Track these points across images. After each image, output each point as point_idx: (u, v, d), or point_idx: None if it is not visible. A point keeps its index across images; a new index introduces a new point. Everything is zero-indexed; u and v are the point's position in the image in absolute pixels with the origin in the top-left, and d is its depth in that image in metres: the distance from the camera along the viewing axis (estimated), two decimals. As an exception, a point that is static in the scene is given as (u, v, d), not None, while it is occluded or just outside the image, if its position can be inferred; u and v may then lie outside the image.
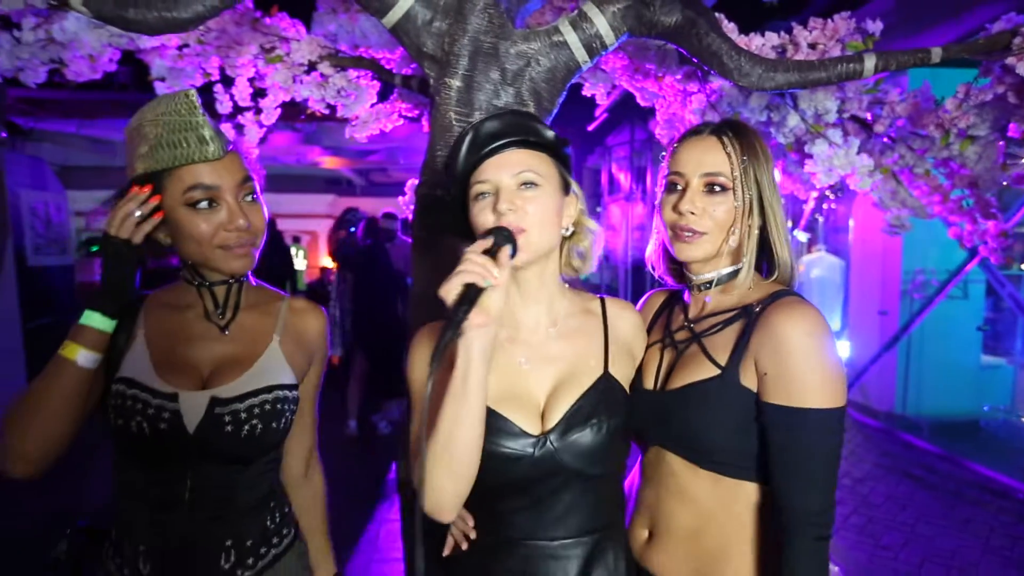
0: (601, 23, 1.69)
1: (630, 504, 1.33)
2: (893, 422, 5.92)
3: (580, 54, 1.73)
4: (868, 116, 2.50)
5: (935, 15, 4.64)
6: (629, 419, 1.22)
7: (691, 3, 1.68)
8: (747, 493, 1.15)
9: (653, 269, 1.40)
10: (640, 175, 9.47)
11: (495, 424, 1.12)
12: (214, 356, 1.26)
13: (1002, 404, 5.99)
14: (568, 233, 1.23)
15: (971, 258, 5.20)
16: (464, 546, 1.23)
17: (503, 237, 1.06)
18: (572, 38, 1.71)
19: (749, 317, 1.15)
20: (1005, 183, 2.85)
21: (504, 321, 1.20)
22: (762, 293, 1.19)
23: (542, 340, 1.21)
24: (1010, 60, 1.70)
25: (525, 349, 1.21)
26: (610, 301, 1.31)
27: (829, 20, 1.97)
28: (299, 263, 10.37)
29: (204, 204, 1.19)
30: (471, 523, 1.22)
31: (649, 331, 1.35)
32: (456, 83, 1.69)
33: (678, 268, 1.35)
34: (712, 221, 1.19)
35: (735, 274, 1.21)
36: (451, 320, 0.97)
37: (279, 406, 1.26)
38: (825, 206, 6.78)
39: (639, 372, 1.27)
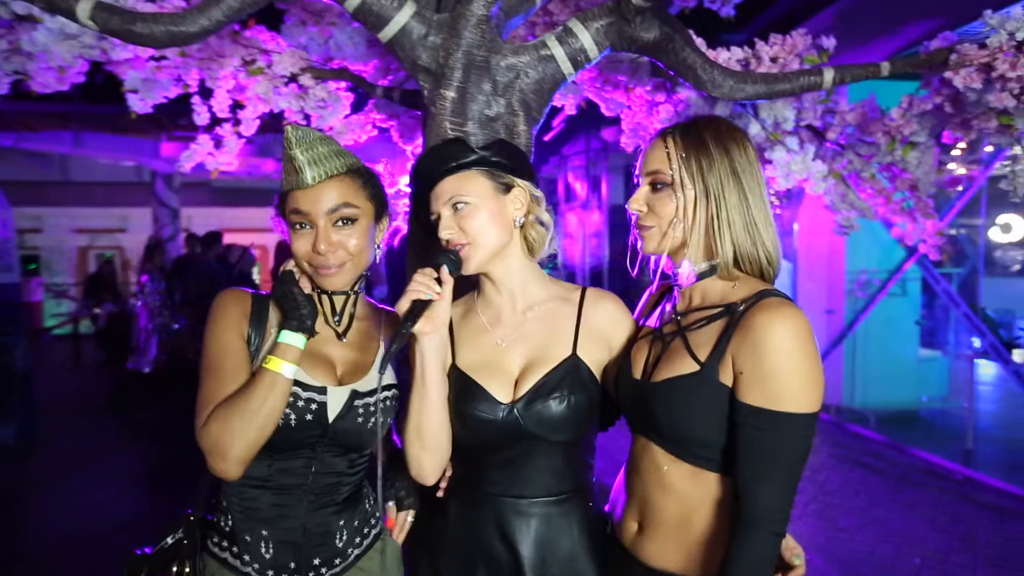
0: (585, 38, 1.81)
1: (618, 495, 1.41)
2: (842, 415, 6.24)
3: (566, 67, 1.84)
4: (820, 125, 2.71)
5: (871, 31, 4.99)
6: (618, 400, 1.35)
7: (668, 20, 1.82)
8: (723, 485, 1.18)
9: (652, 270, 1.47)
10: (595, 184, 9.70)
11: (473, 391, 1.33)
12: (341, 358, 1.40)
13: (939, 394, 6.40)
14: (519, 224, 1.39)
15: (909, 257, 5.56)
16: (439, 494, 1.44)
17: (444, 258, 1.29)
18: (558, 52, 1.82)
19: (732, 315, 1.16)
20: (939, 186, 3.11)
21: (485, 307, 1.43)
22: (748, 291, 1.19)
23: (519, 322, 1.39)
24: (948, 74, 1.90)
25: (503, 330, 1.40)
26: (590, 291, 1.44)
27: (788, 36, 2.14)
28: (255, 276, 10.18)
29: (299, 226, 1.32)
30: (443, 486, 1.43)
31: (645, 323, 1.44)
32: (451, 94, 1.78)
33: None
34: (655, 216, 1.25)
35: (699, 268, 1.25)
36: (397, 331, 1.20)
37: (394, 403, 1.42)
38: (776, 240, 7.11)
39: (629, 361, 1.34)
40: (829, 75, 1.86)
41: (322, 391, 1.32)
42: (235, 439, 1.21)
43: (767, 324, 1.10)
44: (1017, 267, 10.16)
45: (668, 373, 1.21)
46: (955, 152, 5.82)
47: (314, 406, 1.30)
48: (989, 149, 5.88)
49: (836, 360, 6.33)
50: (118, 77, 2.74)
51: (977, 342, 5.72)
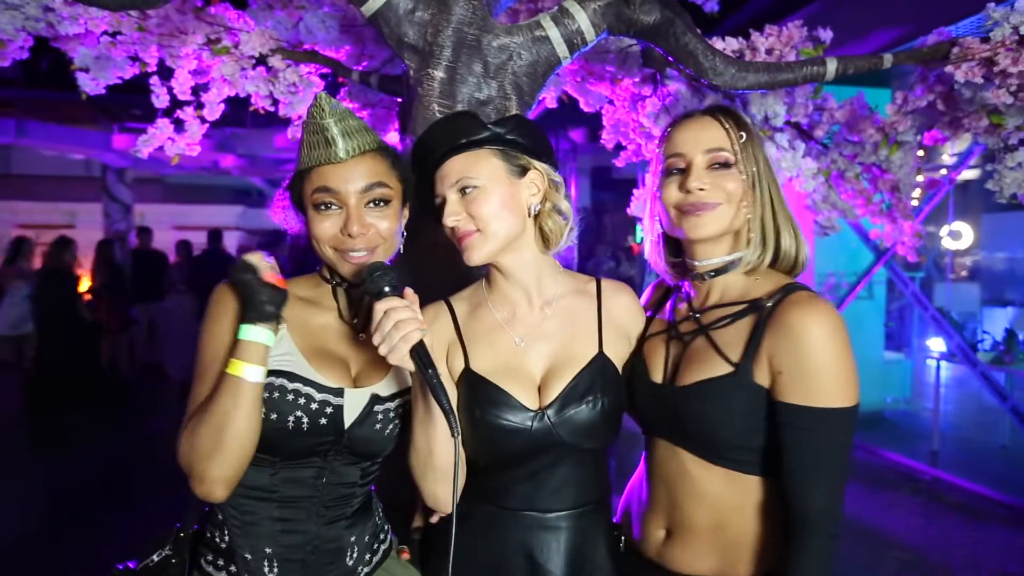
0: (582, 19, 1.71)
1: (632, 494, 1.33)
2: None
3: (561, 49, 1.74)
4: (805, 123, 2.67)
5: (840, 36, 5.04)
6: (629, 402, 1.27)
7: (669, 4, 1.73)
8: (762, 487, 1.15)
9: (653, 267, 1.37)
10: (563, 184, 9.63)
11: (496, 397, 1.19)
12: (357, 356, 1.25)
13: (902, 395, 6.51)
14: (536, 211, 1.25)
15: (878, 260, 5.63)
16: (434, 520, 1.32)
17: (385, 279, 1.09)
18: (554, 33, 1.72)
19: (760, 312, 1.13)
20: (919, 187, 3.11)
21: (499, 303, 1.28)
22: (772, 285, 1.16)
23: (537, 320, 1.26)
24: (948, 68, 1.86)
25: (521, 328, 1.26)
26: (606, 283, 1.34)
27: (783, 27, 2.08)
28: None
29: (325, 207, 1.18)
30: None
31: (651, 319, 1.35)
32: (439, 74, 1.65)
33: (679, 263, 1.32)
34: (724, 193, 1.16)
35: (742, 259, 1.19)
36: (432, 386, 1.05)
37: (410, 408, 1.26)
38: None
39: (643, 362, 1.26)
40: (832, 65, 1.80)
41: (339, 393, 1.18)
42: (208, 459, 1.06)
43: (804, 321, 1.06)
44: (965, 272, 10.53)
45: (697, 376, 1.14)
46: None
47: (329, 409, 1.17)
48: (949, 156, 6.02)
49: (803, 362, 6.37)
50: (67, 57, 2.53)
51: (938, 344, 5.82)
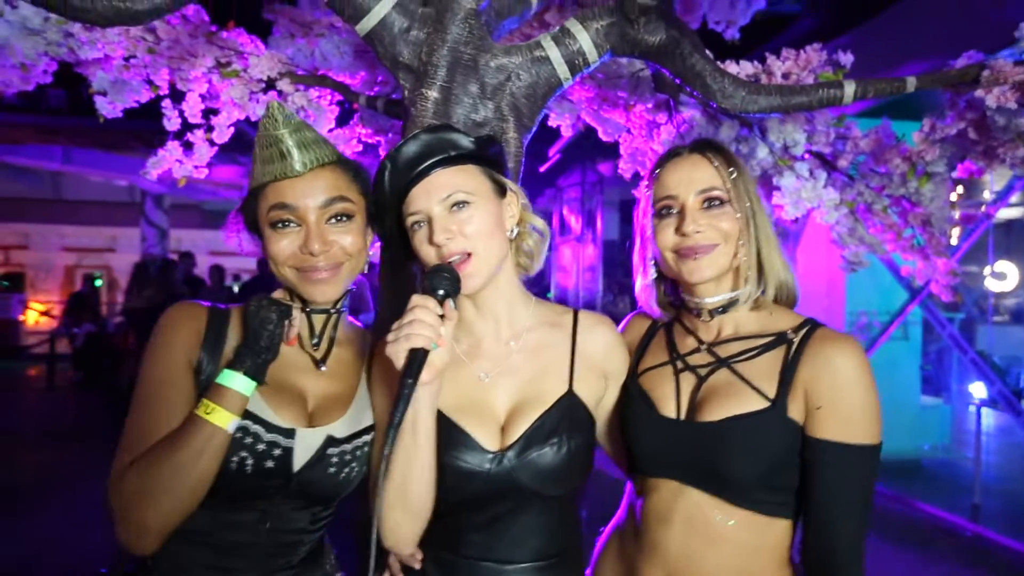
0: (584, 40, 1.65)
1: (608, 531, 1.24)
2: (841, 461, 5.99)
3: (562, 70, 1.67)
4: (828, 154, 2.56)
5: (874, 67, 4.93)
6: (621, 442, 1.19)
7: (675, 23, 1.66)
8: (782, 531, 1.10)
9: (644, 307, 1.32)
10: (590, 218, 9.59)
11: (453, 437, 1.10)
12: (316, 390, 1.17)
13: (941, 443, 6.17)
14: (513, 235, 1.18)
15: (913, 299, 5.39)
16: None
17: (447, 284, 1.02)
18: (554, 54, 1.66)
19: (789, 345, 1.10)
20: (954, 223, 2.95)
21: (462, 334, 1.19)
22: (791, 320, 1.15)
23: (503, 353, 1.17)
24: (978, 92, 1.74)
25: (486, 363, 1.18)
26: (583, 315, 1.25)
27: (801, 51, 1.99)
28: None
29: (282, 224, 1.10)
30: (419, 556, 1.16)
31: (643, 354, 1.25)
32: (433, 94, 1.60)
33: (670, 300, 1.29)
34: (720, 233, 1.15)
35: (752, 295, 1.16)
36: (400, 392, 0.95)
37: (369, 449, 1.19)
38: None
39: (647, 397, 1.18)
40: (850, 88, 1.70)
41: (289, 434, 1.09)
42: (152, 505, 0.97)
43: (843, 356, 1.05)
44: (1007, 316, 10.04)
45: (727, 411, 1.08)
46: (952, 196, 5.73)
47: (277, 451, 1.07)
48: (989, 194, 5.79)
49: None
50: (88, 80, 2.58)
51: (980, 389, 5.52)
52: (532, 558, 1.11)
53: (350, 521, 1.71)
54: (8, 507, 4.43)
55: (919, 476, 5.86)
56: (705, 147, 1.19)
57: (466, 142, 1.12)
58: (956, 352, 5.72)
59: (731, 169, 1.16)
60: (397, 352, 0.96)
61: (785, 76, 2.01)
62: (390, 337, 0.97)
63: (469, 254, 1.08)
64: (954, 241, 5.35)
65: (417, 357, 0.96)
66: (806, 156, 2.44)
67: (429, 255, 1.10)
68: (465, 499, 1.10)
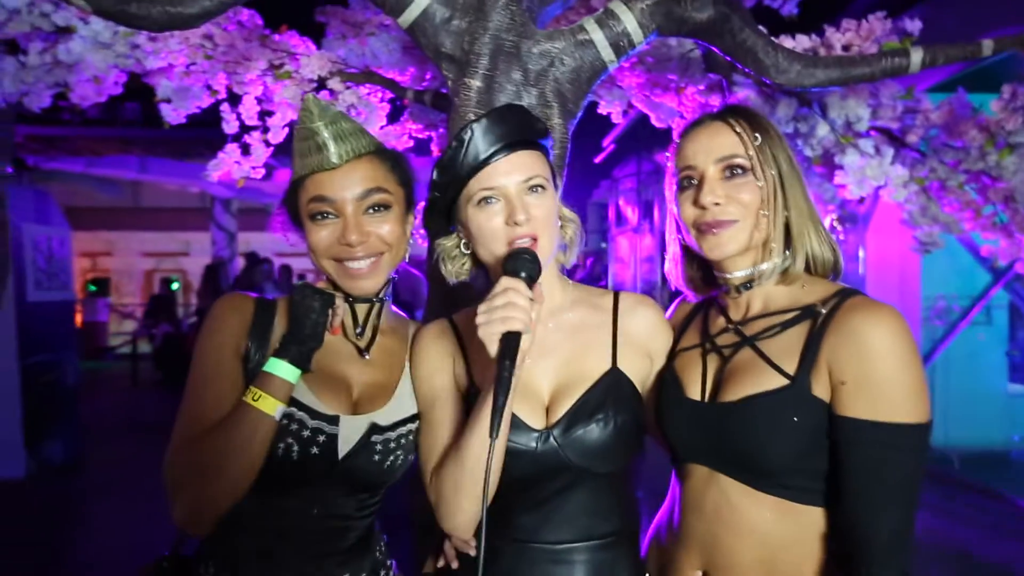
0: (629, 20, 1.61)
1: (657, 517, 1.20)
2: (920, 455, 5.69)
3: (607, 53, 1.64)
4: (896, 129, 2.41)
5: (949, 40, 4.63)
6: (657, 424, 1.15)
7: (724, -2, 1.60)
8: (818, 521, 1.01)
9: (670, 284, 1.28)
10: (647, 208, 9.42)
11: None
12: (360, 379, 1.19)
13: (1032, 435, 5.77)
14: (558, 225, 1.17)
15: (996, 282, 5.06)
16: (454, 564, 1.18)
17: (531, 267, 1.00)
18: (598, 36, 1.62)
19: (816, 318, 1.02)
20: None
21: None
22: (824, 291, 1.06)
23: (541, 334, 1.15)
24: (1064, 53, 1.61)
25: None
26: (625, 296, 1.23)
27: (863, 21, 1.89)
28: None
29: (320, 216, 1.12)
30: (473, 543, 1.15)
31: (680, 336, 1.22)
32: (476, 83, 1.60)
33: (701, 276, 1.23)
34: (740, 207, 1.07)
35: (777, 269, 1.08)
36: (500, 377, 0.92)
37: (415, 437, 1.20)
38: (833, 237, 6.69)
39: (677, 380, 1.14)
40: (917, 57, 1.60)
41: (333, 421, 1.11)
42: (207, 491, 1.00)
43: (870, 325, 0.94)
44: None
45: (746, 390, 1.02)
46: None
47: (322, 438, 1.09)
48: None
49: (912, 394, 5.79)
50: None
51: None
52: (584, 537, 1.09)
53: (402, 511, 1.74)
54: (91, 498, 4.73)
55: (1009, 468, 5.50)
56: (728, 113, 1.11)
57: (542, 127, 1.13)
58: (1047, 338, 5.33)
59: (756, 134, 1.07)
60: (491, 334, 0.94)
61: (845, 48, 1.91)
62: (480, 319, 0.95)
63: (535, 238, 1.07)
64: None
65: (511, 341, 0.94)
66: (872, 132, 2.32)
67: (495, 232, 1.08)
68: (513, 480, 1.08)
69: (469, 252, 1.16)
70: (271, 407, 1.03)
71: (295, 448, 1.07)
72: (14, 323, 4.88)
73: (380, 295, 1.20)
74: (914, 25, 1.82)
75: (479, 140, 1.07)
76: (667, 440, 1.15)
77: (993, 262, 4.82)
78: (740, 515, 1.03)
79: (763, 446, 1.00)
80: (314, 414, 1.09)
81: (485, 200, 1.08)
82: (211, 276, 9.13)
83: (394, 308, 1.32)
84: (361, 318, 1.20)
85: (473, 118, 1.59)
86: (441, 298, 1.66)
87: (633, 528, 1.18)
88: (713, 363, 1.12)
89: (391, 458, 1.15)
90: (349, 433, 1.12)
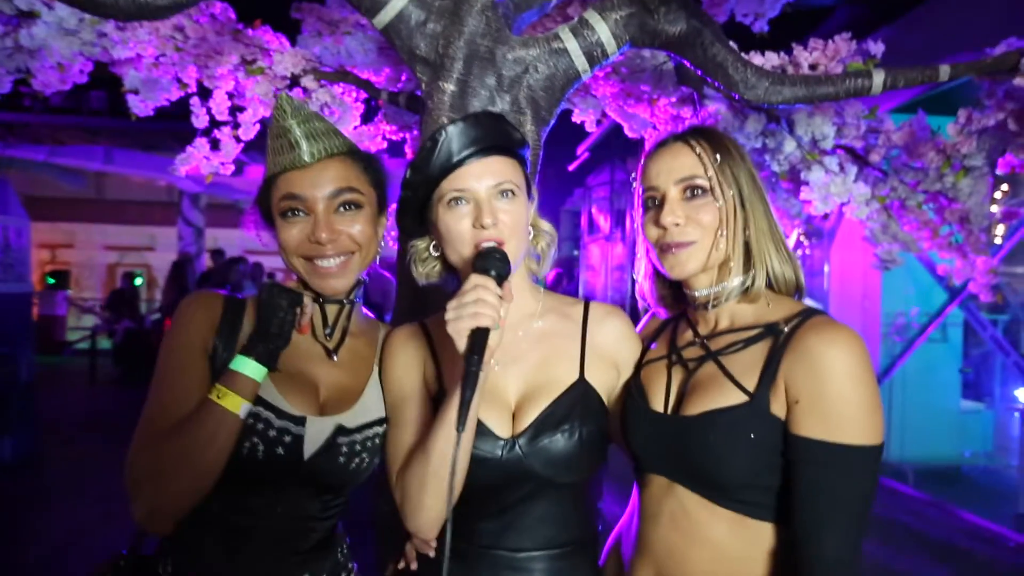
0: (603, 31, 1.63)
1: (629, 531, 1.20)
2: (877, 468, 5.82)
3: (580, 62, 1.66)
4: (860, 148, 2.48)
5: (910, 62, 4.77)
6: (621, 433, 1.16)
7: (696, 13, 1.63)
8: (772, 536, 1.02)
9: (644, 301, 1.29)
10: (620, 217, 9.51)
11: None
12: (328, 380, 1.18)
13: (983, 450, 5.95)
14: (531, 236, 1.18)
15: (952, 300, 5.22)
16: (413, 566, 1.17)
17: (501, 266, 1.00)
18: (572, 45, 1.64)
19: (777, 336, 1.03)
20: (995, 220, 2.83)
21: None
22: (787, 311, 1.07)
23: (511, 341, 1.16)
24: (1018, 81, 1.67)
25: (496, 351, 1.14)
26: (595, 306, 1.24)
27: (830, 41, 1.94)
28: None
29: (291, 214, 1.12)
30: (433, 544, 1.15)
31: (649, 347, 1.24)
32: (450, 87, 1.60)
33: (671, 294, 1.24)
34: (699, 227, 1.09)
35: (742, 287, 1.10)
36: (467, 372, 0.94)
37: (382, 440, 1.19)
38: (799, 252, 6.84)
39: (641, 390, 1.16)
40: (879, 78, 1.65)
41: (300, 421, 1.10)
42: (169, 488, 1.00)
43: (825, 346, 0.96)
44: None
45: (706, 405, 1.03)
46: (996, 194, 5.53)
47: (288, 438, 1.08)
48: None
49: (870, 408, 5.93)
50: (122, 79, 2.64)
51: (1024, 395, 5.31)
52: (545, 546, 1.10)
53: (367, 514, 1.72)
54: (43, 497, 4.58)
55: (959, 484, 5.66)
56: (690, 134, 1.13)
57: (519, 137, 1.14)
58: (999, 355, 5.51)
59: (717, 155, 1.09)
60: (460, 330, 0.95)
61: (812, 67, 1.96)
62: (449, 315, 0.96)
63: (501, 243, 1.07)
64: (998, 240, 5.15)
65: (479, 337, 0.95)
66: (837, 150, 2.38)
67: (462, 234, 1.08)
68: (477, 487, 1.08)
69: (439, 254, 1.16)
70: (236, 405, 1.02)
71: (260, 447, 1.06)
72: (-34, 314, 4.71)
73: (350, 296, 1.20)
74: (877, 47, 1.88)
75: (453, 141, 1.07)
76: (629, 449, 1.16)
77: (949, 281, 4.97)
78: (696, 526, 1.04)
79: (720, 461, 1.01)
80: (281, 414, 1.09)
81: (455, 201, 1.08)
82: (178, 272, 8.93)
83: (365, 311, 1.31)
84: (331, 319, 1.19)
85: (447, 121, 1.60)
86: (410, 300, 1.66)
87: (592, 537, 1.19)
88: (678, 375, 1.13)
89: (356, 460, 1.14)
90: (315, 434, 1.11)
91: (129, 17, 1.39)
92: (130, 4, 1.38)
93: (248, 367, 1.04)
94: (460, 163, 1.08)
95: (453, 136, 1.07)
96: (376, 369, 1.23)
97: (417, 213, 1.15)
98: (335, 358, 1.18)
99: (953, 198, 2.50)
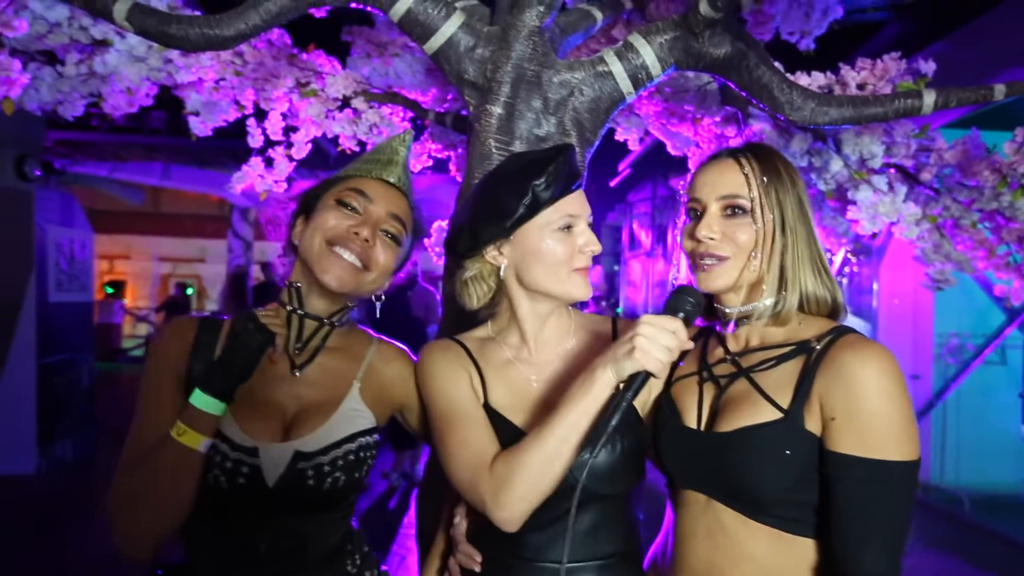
0: (648, 54, 1.65)
1: (660, 544, 1.22)
2: (930, 493, 5.61)
3: (625, 85, 1.68)
4: (911, 166, 2.43)
5: (964, 80, 4.64)
6: (654, 449, 1.18)
7: (741, 35, 1.64)
8: (811, 551, 1.03)
9: None
10: (661, 233, 9.45)
11: (511, 437, 1.11)
12: (296, 400, 1.17)
13: (1046, 478, 5.67)
14: None
15: (1010, 322, 5.02)
16: None
17: (692, 309, 1.04)
18: (617, 68, 1.67)
19: (810, 354, 1.04)
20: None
21: (507, 337, 1.24)
22: (819, 329, 1.08)
23: (548, 359, 1.21)
24: (1077, 100, 1.63)
25: (531, 368, 1.21)
26: (623, 323, 1.28)
27: (878, 60, 1.92)
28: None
29: (347, 207, 1.18)
30: (478, 558, 1.18)
31: (678, 363, 1.25)
32: (497, 110, 1.64)
33: (706, 304, 1.25)
34: (733, 245, 1.10)
35: (774, 308, 1.11)
36: (617, 403, 0.98)
37: (362, 454, 1.18)
38: (847, 269, 6.67)
39: (673, 406, 1.17)
40: (930, 98, 1.63)
41: (252, 452, 1.09)
42: (139, 520, 1.03)
43: (860, 363, 0.97)
44: None
45: (741, 422, 1.04)
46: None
47: (245, 468, 1.08)
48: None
49: (923, 431, 5.74)
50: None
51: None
52: (588, 557, 1.12)
53: (417, 532, 1.75)
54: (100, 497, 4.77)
55: (1020, 512, 5.41)
56: (742, 151, 1.14)
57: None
58: (1062, 380, 5.27)
59: (764, 176, 1.10)
60: (620, 367, 0.98)
61: (860, 87, 1.94)
62: (644, 335, 0.97)
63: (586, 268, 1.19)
64: (1059, 260, 4.94)
65: (641, 378, 0.99)
66: (886, 169, 2.34)
67: (568, 253, 1.16)
68: None
69: (500, 277, 1.20)
70: (196, 441, 1.03)
71: (222, 479, 1.07)
72: (34, 323, 4.97)
73: (332, 319, 1.22)
74: (928, 67, 1.85)
75: (567, 169, 1.15)
76: (663, 466, 1.17)
77: (1007, 302, 4.80)
78: (734, 542, 1.04)
79: (756, 477, 1.02)
80: (234, 446, 1.09)
81: (565, 227, 1.16)
82: (237, 284, 9.23)
83: (363, 328, 1.33)
84: (306, 334, 1.21)
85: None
86: (454, 318, 1.70)
87: (635, 548, 1.20)
88: (709, 392, 1.14)
89: (329, 480, 1.12)
90: (273, 461, 1.10)
91: (197, 48, 1.47)
92: (199, 36, 1.46)
93: (206, 403, 1.04)
94: (563, 193, 1.16)
95: (564, 166, 1.14)
96: (357, 385, 1.22)
97: (499, 235, 1.16)
98: (298, 374, 1.18)
99: (1011, 217, 2.43)
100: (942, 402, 5.62)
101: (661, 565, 1.19)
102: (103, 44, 2.51)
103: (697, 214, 1.15)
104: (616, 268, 11.84)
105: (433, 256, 2.66)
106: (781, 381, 1.05)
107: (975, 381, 5.46)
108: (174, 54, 2.52)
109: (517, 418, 1.16)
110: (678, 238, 1.19)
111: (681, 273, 1.24)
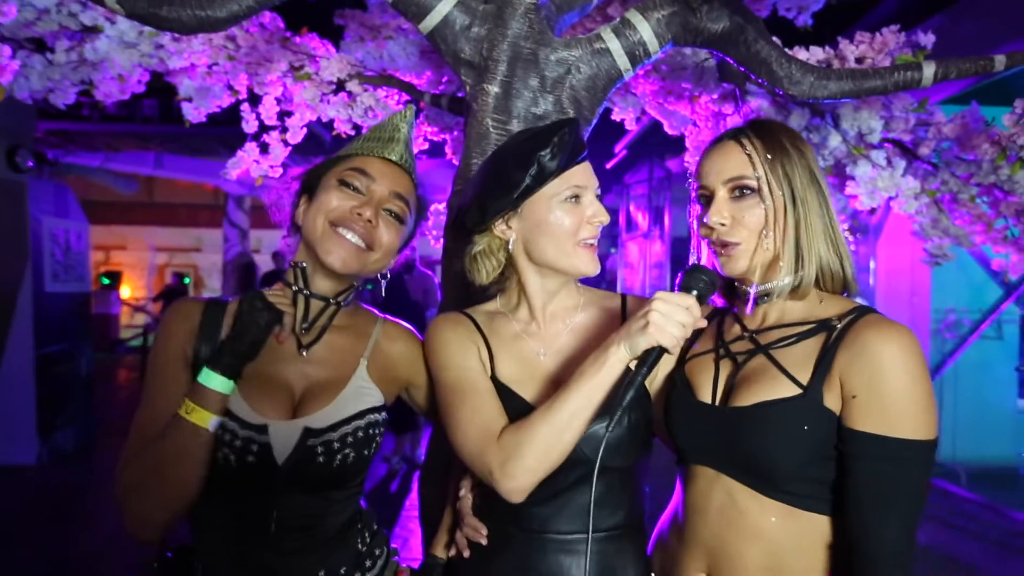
0: (645, 30, 1.64)
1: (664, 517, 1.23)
2: (927, 468, 5.66)
3: (622, 62, 1.67)
4: (909, 141, 2.43)
5: (965, 51, 4.61)
6: (664, 424, 1.18)
7: (739, 10, 1.63)
8: (825, 528, 1.03)
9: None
10: (658, 214, 9.43)
11: (518, 409, 1.12)
12: (304, 378, 1.17)
13: (1042, 451, 5.73)
14: None
15: (1007, 296, 5.04)
16: (466, 553, 1.21)
17: (705, 288, 1.03)
18: (615, 45, 1.65)
19: (831, 331, 1.04)
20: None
21: (516, 311, 1.25)
22: (841, 308, 1.08)
23: (555, 333, 1.22)
24: (1076, 70, 1.62)
25: (540, 342, 1.22)
26: (632, 299, 1.29)
27: (877, 34, 1.91)
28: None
29: (349, 187, 1.17)
30: (484, 532, 1.20)
31: (693, 342, 1.25)
32: (494, 89, 1.63)
33: (726, 284, 1.25)
34: (744, 229, 1.10)
35: (792, 284, 1.10)
36: (633, 379, 0.99)
37: (371, 431, 1.18)
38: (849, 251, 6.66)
39: (687, 383, 1.17)
40: (930, 71, 1.62)
41: (262, 430, 1.09)
42: (148, 501, 1.02)
43: (883, 343, 0.97)
44: None
45: (758, 396, 1.04)
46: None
47: (255, 447, 1.08)
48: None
49: (920, 407, 5.77)
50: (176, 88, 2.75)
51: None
52: (595, 528, 1.12)
53: (420, 513, 1.75)
54: (100, 485, 4.78)
55: (1017, 486, 5.46)
56: (742, 131, 1.13)
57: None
58: (1058, 353, 5.30)
59: (769, 154, 1.09)
60: (635, 342, 0.99)
61: (859, 61, 1.93)
62: (659, 311, 0.97)
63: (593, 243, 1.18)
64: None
65: (656, 353, 0.99)
66: (884, 144, 2.33)
67: (576, 224, 1.16)
68: None
69: (509, 251, 1.20)
70: (204, 420, 1.03)
71: (232, 457, 1.07)
72: (31, 314, 4.95)
73: (339, 298, 1.22)
74: (927, 39, 1.84)
75: (571, 143, 1.15)
76: (674, 441, 1.17)
77: (1004, 276, 4.81)
78: (745, 518, 1.04)
79: (772, 452, 1.02)
80: (243, 424, 1.08)
81: (575, 197, 1.16)
82: (245, 274, 9.19)
83: (368, 308, 1.33)
84: (312, 314, 1.21)
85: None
86: (456, 297, 1.69)
87: (639, 522, 1.21)
88: (726, 368, 1.14)
89: (339, 457, 1.13)
90: (283, 440, 1.10)
91: (190, 30, 1.46)
92: (191, 18, 1.45)
93: (215, 381, 1.04)
94: (570, 163, 1.15)
95: (569, 136, 1.14)
96: (364, 362, 1.22)
97: (506, 208, 1.16)
98: (305, 353, 1.18)
99: (1009, 191, 2.42)
100: (939, 377, 5.65)
101: (669, 540, 1.19)
102: (93, 30, 2.48)
103: (707, 200, 1.14)
104: (613, 251, 11.83)
105: (431, 240, 2.65)
106: (800, 358, 1.05)
107: (972, 356, 5.49)
108: (165, 39, 2.49)
109: (525, 391, 1.16)
110: (694, 225, 1.19)
111: (703, 259, 1.24)
